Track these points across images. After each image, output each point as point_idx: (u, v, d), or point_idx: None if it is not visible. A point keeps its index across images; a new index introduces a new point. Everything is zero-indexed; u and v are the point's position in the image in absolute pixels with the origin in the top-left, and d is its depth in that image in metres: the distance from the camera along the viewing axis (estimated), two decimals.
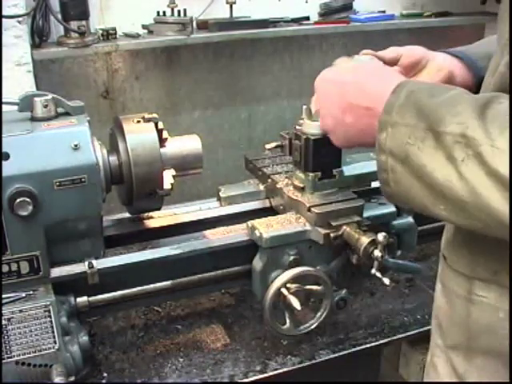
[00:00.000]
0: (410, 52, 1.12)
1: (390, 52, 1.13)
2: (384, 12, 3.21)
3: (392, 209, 1.35)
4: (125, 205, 1.32)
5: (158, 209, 1.33)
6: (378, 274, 1.18)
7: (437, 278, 0.95)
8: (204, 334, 1.34)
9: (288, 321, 1.25)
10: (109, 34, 2.65)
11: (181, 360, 1.26)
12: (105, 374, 1.22)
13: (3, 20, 2.27)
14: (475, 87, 1.08)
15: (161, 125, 1.23)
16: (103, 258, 1.20)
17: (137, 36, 2.73)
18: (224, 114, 3.10)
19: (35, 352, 1.08)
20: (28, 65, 2.42)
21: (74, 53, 2.55)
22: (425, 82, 0.83)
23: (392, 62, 1.11)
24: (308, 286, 1.24)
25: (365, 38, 3.02)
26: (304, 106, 1.27)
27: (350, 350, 1.30)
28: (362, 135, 0.89)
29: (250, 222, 1.27)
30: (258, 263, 1.25)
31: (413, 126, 0.73)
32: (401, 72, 1.05)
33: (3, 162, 1.03)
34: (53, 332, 1.09)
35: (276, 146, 1.39)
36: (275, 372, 1.24)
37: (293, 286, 1.21)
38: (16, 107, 1.15)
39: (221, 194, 1.45)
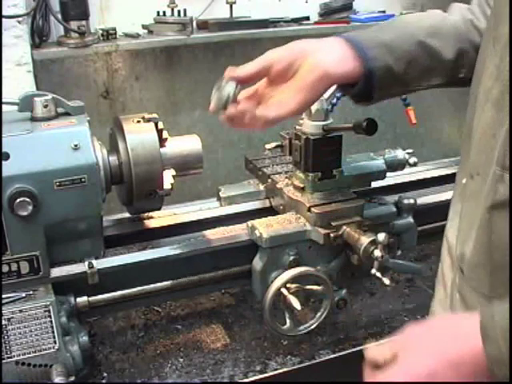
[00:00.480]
0: (281, 57, 1.01)
1: (254, 67, 1.00)
2: (384, 12, 3.21)
3: (392, 209, 1.35)
4: (125, 205, 1.32)
5: (158, 209, 1.32)
6: (378, 274, 1.18)
7: (451, 286, 0.92)
8: (204, 334, 1.34)
9: (288, 321, 1.25)
10: (109, 34, 2.65)
11: (181, 360, 1.26)
12: (105, 374, 1.22)
13: (3, 20, 2.27)
14: (365, 77, 1.00)
15: (161, 125, 1.23)
16: (103, 258, 1.20)
17: (137, 36, 2.73)
18: None
19: (35, 352, 1.08)
20: (28, 65, 2.42)
21: (74, 53, 2.55)
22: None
23: (260, 75, 1.01)
24: (308, 286, 1.24)
25: None
26: None
27: (350, 350, 1.30)
28: None
29: (250, 222, 1.27)
30: (258, 263, 1.25)
31: None
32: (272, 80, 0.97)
33: (3, 162, 1.03)
34: (53, 332, 1.09)
35: (276, 146, 1.39)
36: (275, 372, 1.24)
37: (293, 286, 1.21)
38: (16, 107, 1.15)
39: (221, 194, 1.44)
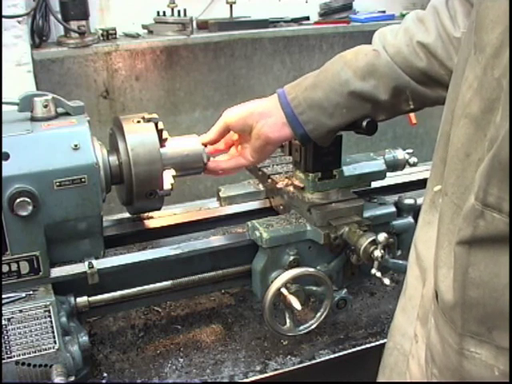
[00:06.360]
0: (235, 122, 1.19)
1: (214, 133, 1.23)
2: (384, 12, 3.22)
3: (392, 209, 1.35)
4: (125, 205, 1.32)
5: (158, 209, 1.33)
6: (378, 274, 1.18)
7: (422, 304, 0.87)
8: (204, 334, 1.34)
9: (288, 321, 1.25)
10: (109, 34, 2.66)
11: (181, 360, 1.26)
12: (105, 374, 1.22)
13: (3, 20, 2.28)
14: (301, 138, 1.14)
15: (161, 125, 1.23)
16: (103, 258, 1.20)
17: (137, 36, 2.73)
18: None
19: (35, 352, 1.08)
20: (28, 65, 2.43)
21: (73, 53, 2.56)
22: None
23: (220, 138, 1.24)
24: (308, 287, 1.24)
25: (365, 38, 3.01)
26: None
27: (349, 350, 1.30)
28: None
29: (249, 222, 1.27)
30: (257, 263, 1.25)
31: None
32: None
33: (3, 162, 1.03)
34: (53, 332, 1.09)
35: None
36: (275, 372, 1.24)
37: (293, 286, 1.21)
38: (16, 107, 1.15)
39: (221, 194, 1.44)
